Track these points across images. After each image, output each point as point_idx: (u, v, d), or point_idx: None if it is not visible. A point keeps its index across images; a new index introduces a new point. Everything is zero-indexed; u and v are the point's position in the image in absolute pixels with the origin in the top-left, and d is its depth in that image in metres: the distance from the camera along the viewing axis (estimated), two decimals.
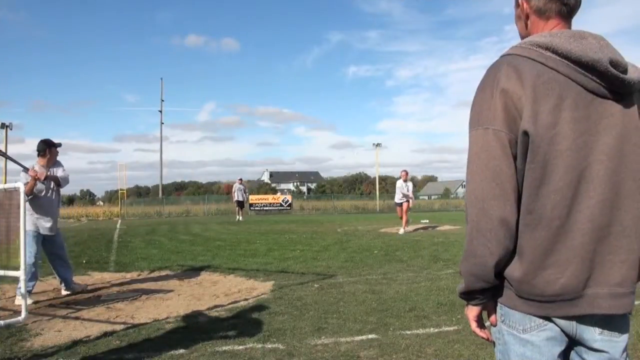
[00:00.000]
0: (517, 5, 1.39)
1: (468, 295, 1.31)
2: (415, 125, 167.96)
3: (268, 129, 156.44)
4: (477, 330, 1.35)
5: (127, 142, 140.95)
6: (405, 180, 13.66)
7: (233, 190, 22.47)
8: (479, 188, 1.23)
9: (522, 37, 1.40)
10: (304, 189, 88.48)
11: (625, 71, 1.23)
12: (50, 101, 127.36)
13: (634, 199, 1.24)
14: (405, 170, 13.99)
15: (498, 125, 1.22)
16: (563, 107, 1.20)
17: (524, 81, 1.20)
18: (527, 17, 1.36)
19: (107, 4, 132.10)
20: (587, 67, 1.20)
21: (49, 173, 5.23)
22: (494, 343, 1.35)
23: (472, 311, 1.34)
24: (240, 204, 22.06)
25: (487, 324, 1.38)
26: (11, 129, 22.31)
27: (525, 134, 1.20)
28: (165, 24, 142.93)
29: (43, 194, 5.29)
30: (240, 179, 22.46)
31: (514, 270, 1.24)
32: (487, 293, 1.30)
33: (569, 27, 1.33)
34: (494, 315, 1.33)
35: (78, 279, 6.77)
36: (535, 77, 1.20)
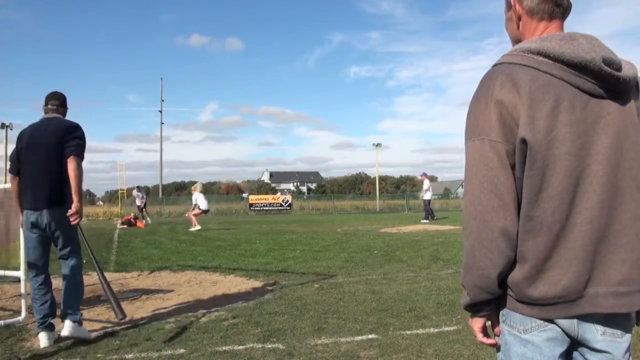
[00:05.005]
0: (509, 7, 1.37)
1: (474, 308, 1.30)
2: (416, 125, 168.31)
3: (269, 129, 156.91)
4: (484, 340, 1.34)
5: (128, 142, 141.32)
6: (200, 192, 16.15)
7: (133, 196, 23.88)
8: (478, 200, 1.22)
9: (514, 41, 1.39)
10: (304, 189, 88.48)
11: (619, 69, 1.22)
12: None
13: (632, 198, 1.23)
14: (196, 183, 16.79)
15: (494, 135, 1.21)
16: (559, 111, 1.18)
17: (520, 88, 1.19)
18: (520, 18, 1.34)
19: (111, 4, 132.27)
20: (581, 68, 1.19)
21: None
22: (498, 348, 1.35)
23: (477, 323, 1.33)
24: (141, 210, 22.80)
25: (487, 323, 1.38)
26: (11, 129, 22.34)
27: (523, 141, 1.19)
28: (168, 24, 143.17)
29: None
30: (138, 186, 23.56)
31: (515, 276, 1.24)
32: (492, 304, 1.29)
33: (562, 28, 1.31)
34: (498, 326, 1.33)
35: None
36: (530, 82, 1.19)
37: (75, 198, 3.81)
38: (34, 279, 3.92)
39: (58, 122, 4.02)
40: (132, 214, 21.08)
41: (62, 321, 3.88)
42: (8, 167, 4.10)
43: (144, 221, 21.69)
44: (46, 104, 4.11)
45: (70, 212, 3.79)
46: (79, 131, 3.98)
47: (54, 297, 3.99)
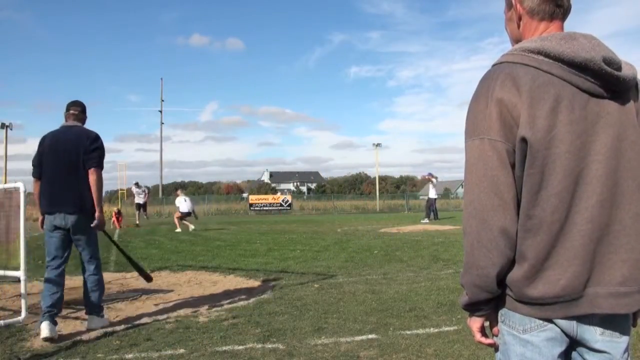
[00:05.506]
0: (510, 7, 1.37)
1: (472, 307, 1.30)
2: (416, 125, 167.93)
3: (270, 129, 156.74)
4: (482, 340, 1.34)
5: (128, 142, 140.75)
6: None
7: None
8: (477, 199, 1.22)
9: (513, 41, 1.39)
10: (304, 189, 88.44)
11: (619, 68, 1.22)
12: (53, 101, 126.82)
13: (633, 197, 1.23)
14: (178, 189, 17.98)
15: (494, 134, 1.21)
16: (559, 110, 1.18)
17: (520, 87, 1.19)
18: (520, 18, 1.34)
19: (111, 4, 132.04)
20: (581, 67, 1.19)
21: None
22: (496, 348, 1.35)
23: (475, 322, 1.33)
24: (140, 207, 21.41)
25: (486, 324, 1.38)
26: (11, 129, 22.38)
27: (523, 140, 1.19)
28: (169, 24, 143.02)
29: None
30: (137, 183, 21.87)
31: (514, 275, 1.23)
32: (491, 303, 1.29)
33: (562, 29, 1.31)
34: (496, 326, 1.33)
35: (78, 280, 6.77)
36: (530, 81, 1.19)
37: (97, 209, 4.18)
38: (51, 271, 4.09)
39: (79, 130, 4.29)
40: (115, 209, 20.17)
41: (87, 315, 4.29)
42: (31, 171, 4.33)
43: (138, 220, 20.96)
44: (67, 110, 4.36)
45: (94, 224, 4.19)
46: (100, 142, 4.27)
47: (63, 295, 4.18)
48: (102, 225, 4.24)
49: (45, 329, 3.81)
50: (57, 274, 4.09)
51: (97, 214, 4.16)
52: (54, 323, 3.93)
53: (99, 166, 4.21)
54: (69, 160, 4.12)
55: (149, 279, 5.27)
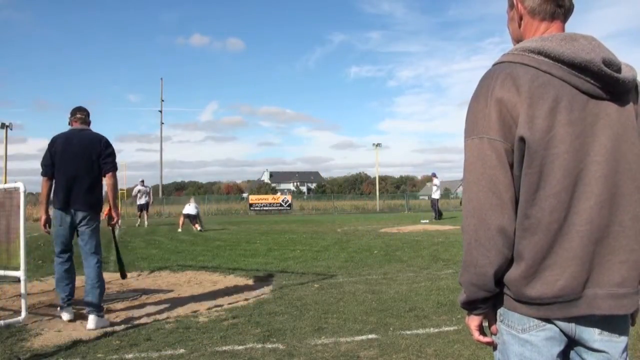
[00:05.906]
0: (511, 6, 1.38)
1: (470, 305, 1.30)
2: (416, 125, 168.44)
3: (270, 129, 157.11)
4: (480, 338, 1.35)
5: (128, 142, 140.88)
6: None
7: (133, 194, 20.72)
8: (476, 198, 1.22)
9: (515, 40, 1.39)
10: (304, 189, 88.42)
11: (619, 70, 1.22)
12: (52, 101, 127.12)
13: (632, 199, 1.23)
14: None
15: (493, 134, 1.21)
16: (558, 110, 1.19)
17: (520, 87, 1.19)
18: (521, 18, 1.35)
19: (111, 4, 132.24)
20: (581, 68, 1.19)
21: None
22: (495, 347, 1.35)
23: (473, 321, 1.33)
24: (142, 208, 19.84)
25: (485, 324, 1.38)
26: (11, 129, 22.37)
27: (522, 140, 1.19)
28: (169, 24, 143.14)
29: None
30: (142, 181, 19.74)
31: (512, 275, 1.24)
32: (488, 302, 1.29)
33: (563, 29, 1.32)
34: (495, 325, 1.33)
35: (78, 279, 6.76)
36: (529, 81, 1.19)
37: (114, 208, 4.67)
38: (61, 263, 4.52)
39: (90, 134, 4.60)
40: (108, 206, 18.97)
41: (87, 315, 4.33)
42: (41, 170, 4.56)
43: (139, 220, 19.84)
44: (74, 114, 4.63)
45: (113, 222, 4.75)
46: (112, 146, 4.62)
47: (75, 283, 4.63)
48: (117, 221, 4.77)
49: (67, 315, 4.44)
50: (67, 265, 4.52)
51: (113, 212, 4.65)
52: (71, 307, 4.51)
53: (115, 169, 4.60)
54: (82, 162, 4.42)
55: (123, 276, 5.42)
